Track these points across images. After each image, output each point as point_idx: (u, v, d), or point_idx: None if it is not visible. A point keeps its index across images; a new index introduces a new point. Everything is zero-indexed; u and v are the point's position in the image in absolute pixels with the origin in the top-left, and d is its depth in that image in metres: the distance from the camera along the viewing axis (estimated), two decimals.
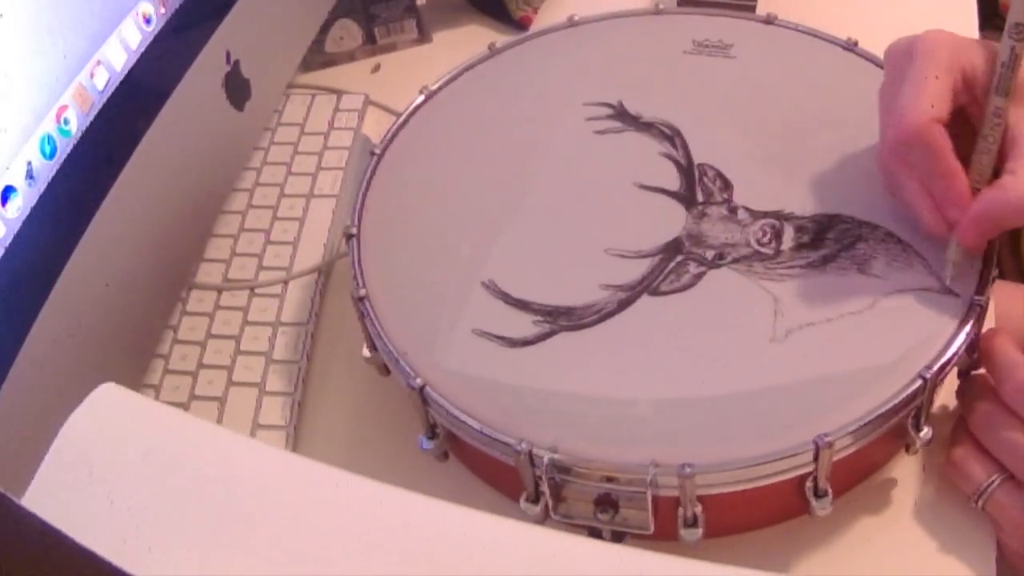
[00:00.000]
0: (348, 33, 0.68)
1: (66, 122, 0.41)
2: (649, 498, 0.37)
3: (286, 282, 0.54)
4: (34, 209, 0.39)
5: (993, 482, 0.39)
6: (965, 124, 0.41)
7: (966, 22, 0.62)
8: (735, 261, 0.43)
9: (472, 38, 0.69)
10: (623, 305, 0.42)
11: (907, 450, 0.42)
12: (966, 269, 0.41)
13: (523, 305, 0.42)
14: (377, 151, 0.50)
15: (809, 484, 0.38)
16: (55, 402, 0.39)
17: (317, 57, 0.68)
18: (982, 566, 0.40)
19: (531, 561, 0.29)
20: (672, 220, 0.45)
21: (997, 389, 0.39)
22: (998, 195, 0.39)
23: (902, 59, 0.41)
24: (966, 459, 0.40)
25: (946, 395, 0.44)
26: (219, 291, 0.54)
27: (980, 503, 0.40)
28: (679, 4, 0.61)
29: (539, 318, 0.42)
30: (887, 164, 0.42)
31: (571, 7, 0.56)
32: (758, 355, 0.39)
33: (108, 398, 0.34)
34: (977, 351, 0.41)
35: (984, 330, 0.41)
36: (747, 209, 0.45)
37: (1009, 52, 0.39)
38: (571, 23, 0.55)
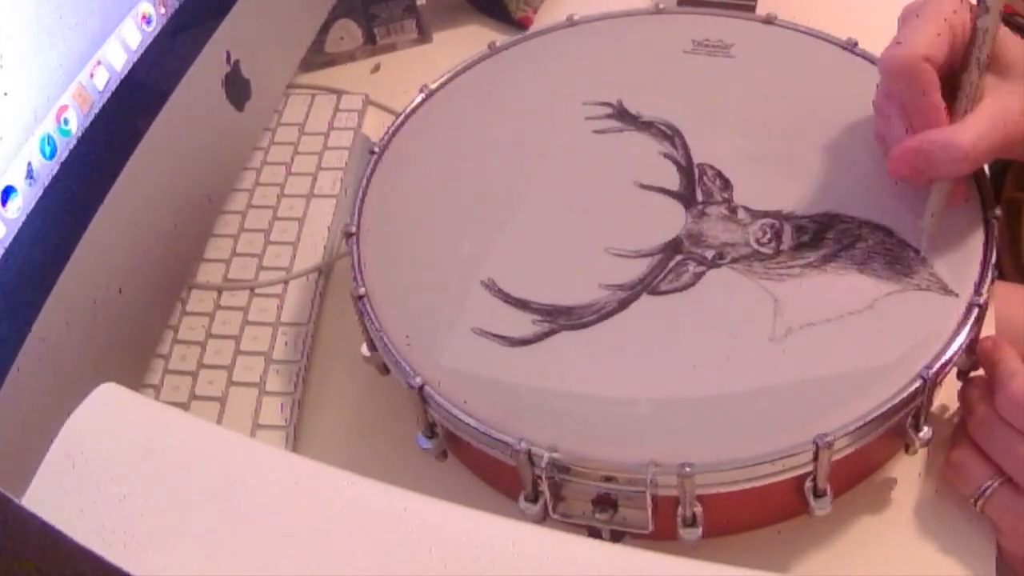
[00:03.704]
0: (348, 33, 0.68)
1: (66, 122, 0.41)
2: (648, 498, 0.37)
3: (286, 282, 0.54)
4: (34, 209, 0.39)
5: (991, 485, 0.39)
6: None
7: None
8: (735, 261, 0.43)
9: (472, 38, 0.69)
10: (623, 305, 0.42)
11: (907, 450, 0.42)
12: (966, 269, 0.41)
13: (522, 304, 0.42)
14: (376, 150, 0.50)
15: (808, 484, 0.38)
16: (55, 402, 0.39)
17: (317, 57, 0.68)
18: (982, 567, 0.40)
19: (530, 561, 0.29)
20: (672, 220, 0.45)
21: (994, 396, 0.39)
22: (938, 135, 0.40)
23: (911, 15, 0.42)
24: (965, 462, 0.40)
25: (946, 395, 0.44)
26: (219, 291, 0.54)
27: (979, 506, 0.40)
28: (679, 4, 0.61)
29: (538, 317, 0.42)
30: (880, 105, 0.43)
31: (571, 7, 0.56)
32: (757, 355, 0.39)
33: (108, 398, 0.34)
34: (977, 352, 0.41)
35: (984, 332, 0.41)
36: (747, 209, 0.45)
37: (972, 28, 0.41)
38: (571, 23, 0.55)
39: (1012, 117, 0.40)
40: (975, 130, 0.40)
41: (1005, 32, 0.42)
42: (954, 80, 0.42)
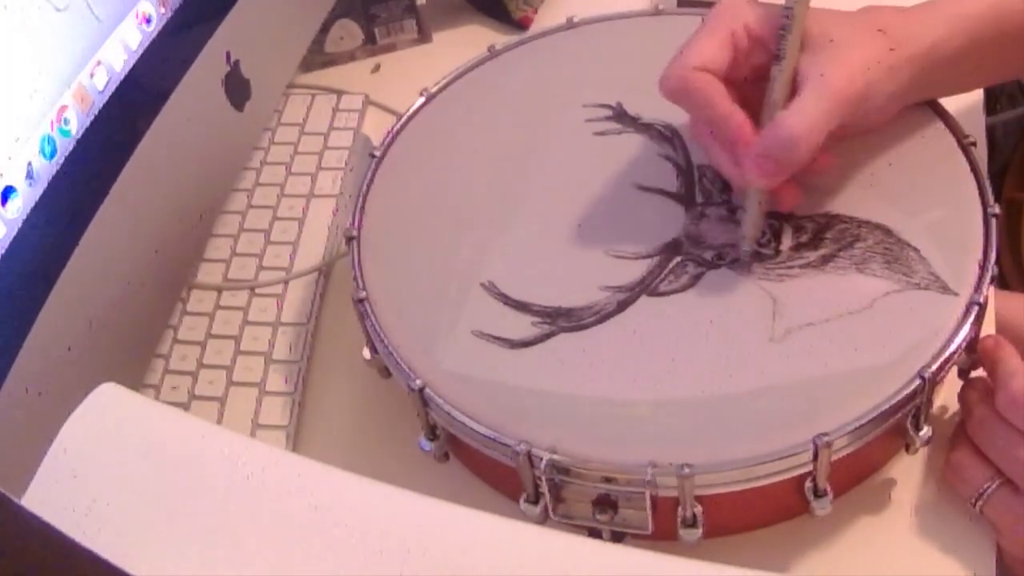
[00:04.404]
0: (348, 33, 0.68)
1: (66, 122, 0.41)
2: (648, 498, 0.37)
3: (286, 282, 0.54)
4: (34, 209, 0.39)
5: (990, 486, 0.39)
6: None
7: None
8: (734, 261, 0.43)
9: (472, 38, 0.69)
10: (622, 306, 0.42)
11: (907, 450, 0.42)
12: (965, 268, 0.41)
13: (522, 306, 0.42)
14: (377, 153, 0.50)
15: (808, 484, 0.39)
16: (55, 402, 0.39)
17: (317, 57, 0.68)
18: (982, 567, 0.40)
19: (531, 561, 0.30)
20: (671, 221, 0.45)
21: (994, 396, 0.39)
22: (771, 130, 0.40)
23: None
24: (964, 463, 0.40)
25: (946, 395, 0.44)
26: (219, 291, 0.54)
27: (978, 507, 0.40)
28: (679, 5, 0.61)
29: (538, 319, 0.42)
30: (695, 134, 0.44)
31: (571, 8, 0.56)
32: (757, 355, 0.40)
33: (108, 398, 0.34)
34: (977, 351, 0.41)
35: (984, 332, 0.42)
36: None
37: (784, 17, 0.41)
38: (570, 24, 0.55)
39: (836, 84, 0.40)
40: (805, 111, 0.39)
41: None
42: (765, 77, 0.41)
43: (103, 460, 0.33)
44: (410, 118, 0.52)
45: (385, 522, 0.31)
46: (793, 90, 0.41)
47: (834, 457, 0.37)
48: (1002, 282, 0.71)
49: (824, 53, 0.40)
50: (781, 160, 0.40)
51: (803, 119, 0.39)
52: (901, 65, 0.41)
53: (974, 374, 0.42)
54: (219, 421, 0.49)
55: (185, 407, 0.49)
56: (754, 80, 0.42)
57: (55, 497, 0.31)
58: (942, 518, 0.42)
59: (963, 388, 0.42)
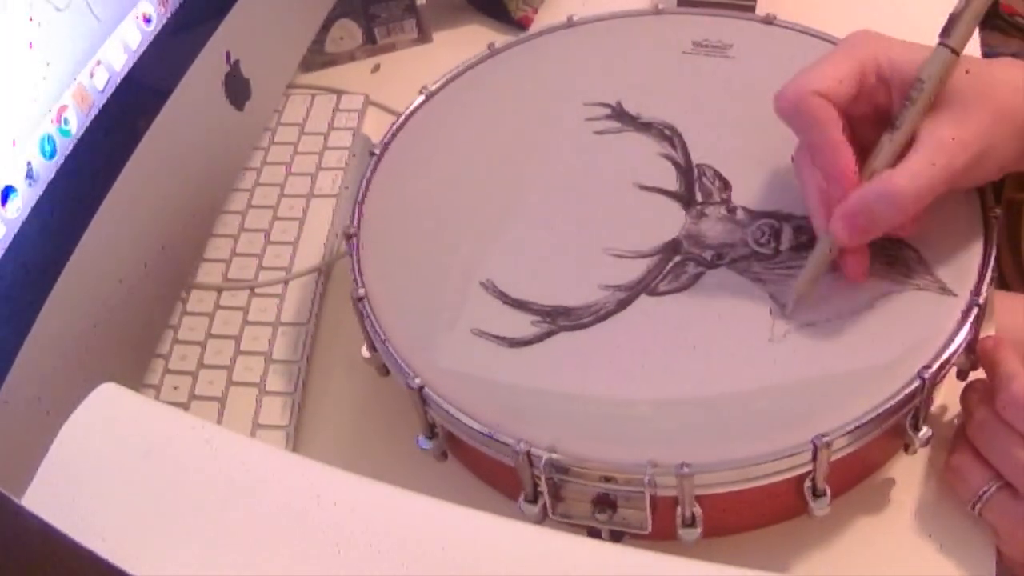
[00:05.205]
0: (348, 33, 0.68)
1: (66, 122, 0.41)
2: (647, 498, 0.37)
3: (286, 282, 0.54)
4: (34, 209, 0.39)
5: (990, 489, 0.39)
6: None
7: None
8: (733, 261, 0.43)
9: (472, 38, 0.69)
10: (621, 305, 0.42)
11: (906, 450, 0.42)
12: (965, 269, 0.41)
13: (522, 305, 0.42)
14: (376, 151, 0.50)
15: (808, 484, 0.39)
16: (55, 402, 0.39)
17: (317, 57, 0.68)
18: (981, 568, 0.40)
19: (529, 561, 0.30)
20: (671, 220, 0.45)
21: (994, 398, 0.39)
22: (875, 184, 0.38)
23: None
24: (964, 465, 0.40)
25: (945, 395, 0.44)
26: (219, 291, 0.54)
27: (977, 510, 0.40)
28: (679, 4, 0.61)
29: (538, 318, 0.42)
30: (795, 159, 0.42)
31: (571, 7, 0.56)
32: (756, 355, 0.40)
33: (108, 398, 0.34)
34: (976, 352, 0.41)
35: (984, 334, 0.41)
36: (746, 209, 0.45)
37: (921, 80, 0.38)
38: (570, 23, 0.55)
39: (948, 148, 0.37)
40: (912, 170, 0.37)
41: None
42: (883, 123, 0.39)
43: (103, 460, 0.33)
44: (409, 116, 0.52)
45: (384, 522, 0.31)
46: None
47: (833, 457, 0.37)
48: (1002, 282, 0.71)
49: (944, 111, 0.38)
50: (875, 218, 0.38)
51: (913, 183, 0.37)
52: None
53: (973, 375, 0.42)
54: (219, 421, 0.49)
55: (185, 407, 0.49)
56: (872, 121, 0.40)
57: (55, 497, 0.31)
58: (941, 519, 0.42)
59: (964, 390, 0.42)
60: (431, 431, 0.42)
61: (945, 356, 0.39)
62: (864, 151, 0.40)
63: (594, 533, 0.39)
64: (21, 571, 0.25)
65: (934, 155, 0.38)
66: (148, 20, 0.47)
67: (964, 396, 0.42)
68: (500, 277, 0.44)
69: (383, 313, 0.43)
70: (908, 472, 0.43)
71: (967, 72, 0.39)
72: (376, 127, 0.63)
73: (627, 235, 0.44)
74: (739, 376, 0.39)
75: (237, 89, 0.54)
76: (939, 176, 0.37)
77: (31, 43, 0.39)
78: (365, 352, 0.45)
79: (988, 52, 0.65)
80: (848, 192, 0.39)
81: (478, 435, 0.39)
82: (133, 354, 0.49)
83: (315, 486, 0.32)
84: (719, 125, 0.49)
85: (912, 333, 0.40)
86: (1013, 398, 0.38)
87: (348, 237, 0.46)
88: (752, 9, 0.56)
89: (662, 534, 0.38)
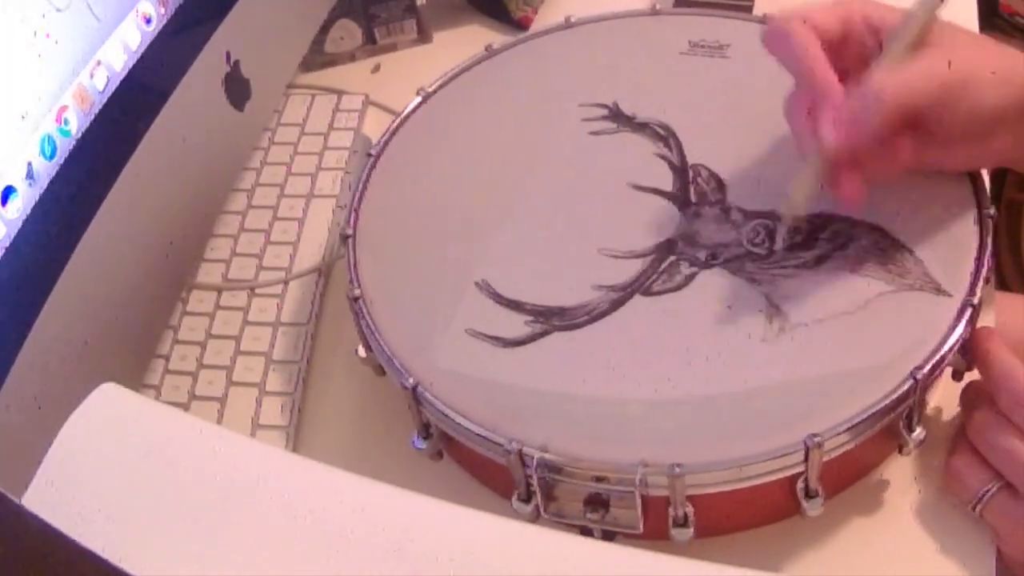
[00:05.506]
0: (348, 33, 0.68)
1: (66, 122, 0.41)
2: (638, 498, 0.37)
3: (286, 282, 0.55)
4: (34, 209, 0.39)
5: (990, 490, 0.39)
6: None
7: (966, 22, 0.62)
8: (728, 261, 0.43)
9: (472, 38, 0.69)
10: (615, 305, 0.42)
11: (900, 451, 0.42)
12: (960, 269, 0.41)
13: (516, 305, 0.43)
14: (373, 152, 0.50)
15: (800, 485, 0.39)
16: (55, 402, 0.40)
17: (317, 57, 0.68)
18: (981, 568, 0.40)
19: (522, 559, 0.30)
20: (665, 220, 0.45)
21: (994, 397, 0.39)
22: (859, 88, 0.39)
23: None
24: (964, 466, 0.40)
25: (941, 397, 0.44)
26: (219, 291, 0.54)
27: (978, 511, 0.40)
28: (675, 5, 0.61)
29: (531, 318, 0.42)
30: (786, 104, 0.43)
31: (569, 8, 0.56)
32: (750, 355, 0.40)
33: (108, 398, 0.34)
34: (970, 352, 0.41)
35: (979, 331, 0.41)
36: (740, 209, 0.45)
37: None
38: (567, 24, 0.55)
39: (935, 65, 0.39)
40: (897, 72, 0.39)
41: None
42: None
43: (103, 460, 0.33)
44: (407, 117, 0.52)
45: (380, 521, 0.31)
46: None
47: (826, 458, 0.37)
48: (1002, 282, 0.71)
49: (931, 49, 0.40)
50: (859, 117, 0.39)
51: (894, 78, 0.39)
52: (1014, 88, 0.40)
53: (969, 376, 0.43)
54: (219, 421, 0.49)
55: (185, 407, 0.49)
56: (855, 70, 0.41)
57: (55, 497, 0.32)
58: (935, 520, 0.42)
59: (963, 391, 0.42)
60: (426, 431, 0.42)
61: (939, 357, 0.39)
62: None
63: (586, 532, 0.39)
64: (21, 571, 0.25)
65: (915, 62, 0.39)
66: (148, 20, 0.47)
67: (963, 396, 0.42)
68: (495, 277, 0.44)
69: (378, 312, 0.44)
70: (902, 473, 0.43)
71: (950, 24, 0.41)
72: (376, 127, 0.64)
73: (621, 235, 0.44)
74: (732, 376, 0.39)
75: (237, 89, 0.54)
76: (919, 75, 0.39)
77: (31, 43, 0.39)
78: (361, 352, 0.46)
79: None
80: (833, 102, 0.40)
81: (472, 435, 0.39)
82: (133, 354, 0.49)
83: (315, 486, 0.32)
84: (715, 125, 0.49)
85: (906, 333, 0.40)
86: (1015, 395, 0.38)
87: (344, 237, 0.46)
88: (749, 10, 0.56)
89: (654, 534, 0.39)
